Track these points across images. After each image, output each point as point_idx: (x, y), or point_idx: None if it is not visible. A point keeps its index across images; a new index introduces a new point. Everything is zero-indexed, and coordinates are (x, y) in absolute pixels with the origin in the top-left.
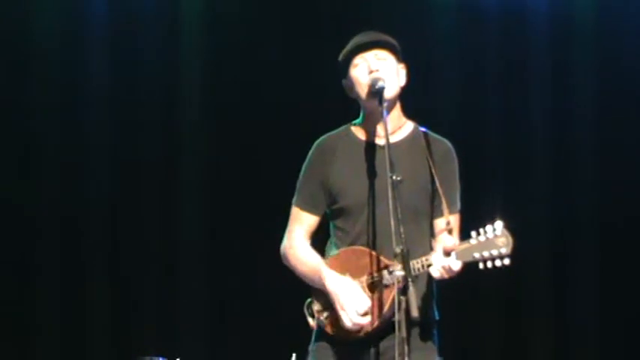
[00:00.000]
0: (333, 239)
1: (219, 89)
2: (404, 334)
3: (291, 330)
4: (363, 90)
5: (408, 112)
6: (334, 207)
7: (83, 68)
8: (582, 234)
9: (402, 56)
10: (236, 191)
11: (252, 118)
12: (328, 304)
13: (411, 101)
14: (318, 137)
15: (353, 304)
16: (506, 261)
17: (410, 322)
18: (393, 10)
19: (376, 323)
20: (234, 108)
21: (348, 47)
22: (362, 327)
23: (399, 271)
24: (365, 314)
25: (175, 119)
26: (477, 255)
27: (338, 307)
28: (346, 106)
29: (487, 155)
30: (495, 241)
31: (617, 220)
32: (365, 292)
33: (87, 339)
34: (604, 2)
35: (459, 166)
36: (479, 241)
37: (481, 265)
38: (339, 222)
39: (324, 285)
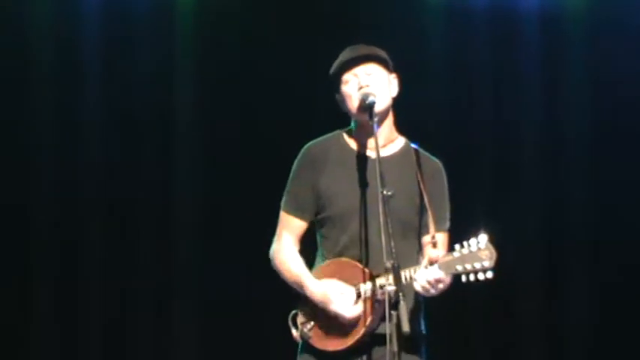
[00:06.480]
0: (320, 250)
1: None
2: (395, 348)
3: None
4: (353, 105)
5: (396, 112)
6: (322, 215)
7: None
8: (573, 248)
9: (392, 66)
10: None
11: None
12: (313, 315)
13: (399, 103)
14: None
15: (343, 297)
16: (489, 274)
17: (400, 337)
18: (382, 12)
19: (361, 333)
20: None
21: (337, 63)
22: (359, 317)
23: (390, 286)
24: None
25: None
26: (459, 267)
27: (330, 307)
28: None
29: (476, 159)
30: (479, 254)
31: (609, 233)
32: None
33: None
34: (595, 4)
35: (449, 178)
36: (462, 254)
37: (464, 278)
38: (325, 231)
39: (306, 295)
